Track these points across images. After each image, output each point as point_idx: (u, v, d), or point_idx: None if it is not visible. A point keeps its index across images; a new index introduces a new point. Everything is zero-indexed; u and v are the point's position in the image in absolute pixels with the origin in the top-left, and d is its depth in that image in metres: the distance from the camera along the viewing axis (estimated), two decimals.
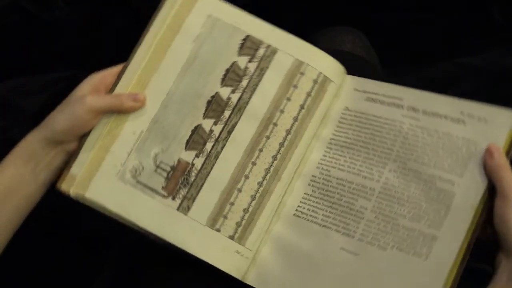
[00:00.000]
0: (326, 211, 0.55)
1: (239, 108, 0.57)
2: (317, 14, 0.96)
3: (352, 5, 0.96)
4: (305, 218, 0.56)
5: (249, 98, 0.57)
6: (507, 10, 0.90)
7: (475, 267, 0.61)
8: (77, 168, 0.55)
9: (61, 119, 0.54)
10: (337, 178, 0.56)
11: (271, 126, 0.57)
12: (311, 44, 0.59)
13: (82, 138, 0.56)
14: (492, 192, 0.49)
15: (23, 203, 0.54)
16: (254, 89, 0.57)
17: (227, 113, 0.57)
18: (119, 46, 0.64)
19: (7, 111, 0.80)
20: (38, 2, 0.91)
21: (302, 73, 0.58)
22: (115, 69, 0.58)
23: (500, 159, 0.48)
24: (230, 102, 0.57)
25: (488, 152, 0.49)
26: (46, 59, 0.89)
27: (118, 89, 0.57)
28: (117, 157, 0.56)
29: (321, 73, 0.58)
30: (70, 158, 0.56)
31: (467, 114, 0.52)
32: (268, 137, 0.57)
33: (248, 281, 0.55)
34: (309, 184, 0.57)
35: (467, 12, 0.92)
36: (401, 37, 0.94)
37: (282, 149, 0.57)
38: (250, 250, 0.55)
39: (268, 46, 0.58)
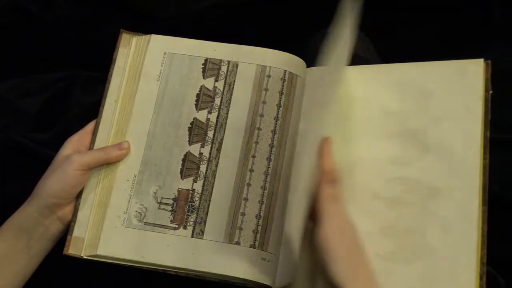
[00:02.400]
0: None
1: (221, 125, 0.59)
2: (318, 14, 0.96)
3: None
4: None
5: (227, 113, 0.59)
6: (507, 10, 0.90)
7: None
8: (80, 230, 0.56)
9: (52, 182, 0.54)
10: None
11: (256, 132, 0.58)
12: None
13: (76, 201, 0.56)
14: None
15: (15, 276, 0.54)
16: (229, 104, 0.59)
17: (210, 133, 0.58)
18: None
19: (7, 111, 0.80)
20: (38, 2, 0.91)
21: (268, 76, 0.60)
22: (89, 128, 0.60)
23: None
24: (210, 123, 0.59)
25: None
26: (46, 59, 0.89)
27: (98, 145, 0.59)
28: (118, 207, 0.57)
29: (286, 70, 0.60)
30: (66, 226, 0.56)
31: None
32: (256, 142, 0.58)
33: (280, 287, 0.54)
34: None
35: (467, 12, 0.92)
36: (401, 37, 0.94)
37: (273, 149, 0.58)
38: (274, 254, 0.55)
39: (228, 62, 0.60)
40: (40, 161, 0.74)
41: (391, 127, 0.55)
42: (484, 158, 0.51)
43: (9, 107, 0.80)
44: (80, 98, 0.81)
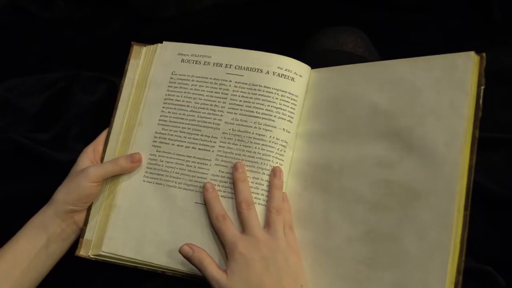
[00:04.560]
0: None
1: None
2: (318, 14, 0.96)
3: (352, 5, 0.96)
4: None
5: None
6: (507, 10, 0.90)
7: (475, 267, 0.61)
8: (90, 233, 0.59)
9: (69, 192, 0.57)
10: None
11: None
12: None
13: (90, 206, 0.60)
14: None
15: (33, 274, 0.57)
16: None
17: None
18: (119, 46, 0.64)
19: (7, 111, 0.80)
20: (38, 2, 0.91)
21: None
22: (101, 137, 0.62)
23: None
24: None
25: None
26: (46, 59, 0.89)
27: (108, 153, 0.61)
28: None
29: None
30: (80, 229, 0.59)
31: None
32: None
33: None
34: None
35: (467, 12, 0.92)
36: (401, 37, 0.94)
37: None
38: None
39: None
40: (40, 161, 0.74)
41: (379, 127, 0.53)
42: (471, 159, 0.47)
43: (9, 107, 0.80)
44: (80, 98, 0.81)
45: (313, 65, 0.61)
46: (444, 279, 0.45)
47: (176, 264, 0.55)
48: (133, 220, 0.58)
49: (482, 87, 0.49)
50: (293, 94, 0.59)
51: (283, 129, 0.57)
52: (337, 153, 0.55)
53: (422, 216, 0.48)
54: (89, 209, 0.59)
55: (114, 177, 0.59)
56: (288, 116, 0.58)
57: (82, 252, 0.58)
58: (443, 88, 0.51)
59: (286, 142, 0.57)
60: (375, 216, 0.51)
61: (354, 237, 0.51)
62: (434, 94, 0.51)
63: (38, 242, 0.56)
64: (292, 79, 0.59)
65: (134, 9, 0.93)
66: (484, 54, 0.49)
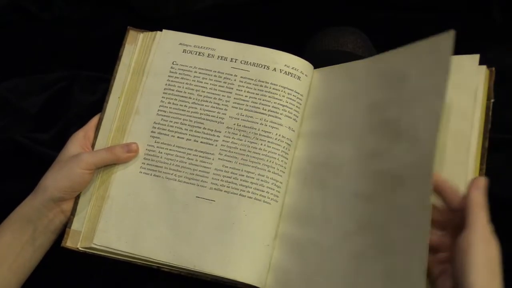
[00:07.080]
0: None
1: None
2: (317, 14, 0.96)
3: (352, 5, 0.96)
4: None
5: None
6: (507, 10, 0.90)
7: None
8: (78, 224, 0.57)
9: (59, 178, 0.55)
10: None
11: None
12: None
13: (76, 196, 0.57)
14: None
15: (21, 268, 0.55)
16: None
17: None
18: (119, 46, 0.64)
19: (7, 111, 0.80)
20: (38, 2, 0.91)
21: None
22: (93, 122, 0.60)
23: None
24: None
25: (475, 184, 0.48)
26: (46, 59, 0.89)
27: (100, 140, 0.59)
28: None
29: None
30: (68, 219, 0.57)
31: None
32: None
33: None
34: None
35: (467, 12, 0.92)
36: (401, 37, 0.93)
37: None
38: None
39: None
40: (40, 161, 0.74)
41: (372, 121, 0.53)
42: (481, 169, 0.49)
43: (9, 107, 0.80)
44: (80, 98, 0.81)
45: (314, 65, 0.61)
46: (424, 266, 0.44)
47: (174, 260, 0.54)
48: (128, 213, 0.56)
49: (492, 100, 0.50)
50: (298, 93, 0.59)
51: (289, 127, 0.57)
52: (336, 151, 0.55)
53: (405, 203, 0.47)
54: (76, 198, 0.57)
55: (107, 167, 0.58)
56: (294, 115, 0.58)
57: (69, 243, 0.56)
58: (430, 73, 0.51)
59: (291, 141, 0.57)
60: (369, 208, 0.50)
61: (350, 231, 0.51)
62: (420, 79, 0.50)
63: (23, 235, 0.54)
64: (298, 78, 0.59)
65: (134, 9, 0.93)
66: (493, 69, 0.50)
